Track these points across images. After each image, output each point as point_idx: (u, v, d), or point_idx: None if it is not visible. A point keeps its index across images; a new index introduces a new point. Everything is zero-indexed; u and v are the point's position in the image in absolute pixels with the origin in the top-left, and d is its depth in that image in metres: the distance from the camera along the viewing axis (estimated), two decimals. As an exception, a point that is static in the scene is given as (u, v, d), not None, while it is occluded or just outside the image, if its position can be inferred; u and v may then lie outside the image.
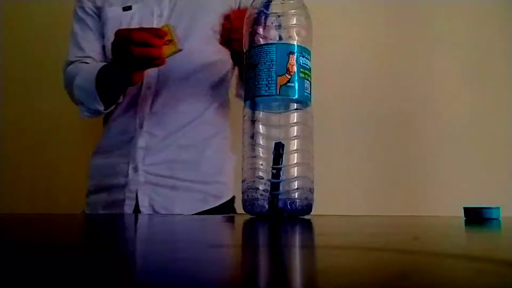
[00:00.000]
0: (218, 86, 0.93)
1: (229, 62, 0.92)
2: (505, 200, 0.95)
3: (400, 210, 1.05)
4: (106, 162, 0.89)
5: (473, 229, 0.39)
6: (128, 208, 0.84)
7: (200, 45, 0.87)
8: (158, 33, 0.73)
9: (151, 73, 0.85)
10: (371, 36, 1.16)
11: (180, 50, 0.75)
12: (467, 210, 0.48)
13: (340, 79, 1.15)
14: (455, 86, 1.12)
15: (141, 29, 0.76)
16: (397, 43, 1.15)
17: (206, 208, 0.88)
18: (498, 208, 0.46)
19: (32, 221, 0.47)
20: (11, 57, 1.32)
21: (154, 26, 0.86)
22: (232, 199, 0.95)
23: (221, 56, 0.89)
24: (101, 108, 0.85)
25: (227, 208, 0.91)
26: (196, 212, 0.86)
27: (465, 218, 0.47)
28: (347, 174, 1.12)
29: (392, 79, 1.15)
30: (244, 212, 0.48)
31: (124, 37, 0.73)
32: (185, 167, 0.87)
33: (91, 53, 0.91)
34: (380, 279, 0.16)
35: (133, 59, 0.73)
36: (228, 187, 0.93)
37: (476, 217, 0.47)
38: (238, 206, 0.98)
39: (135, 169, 0.85)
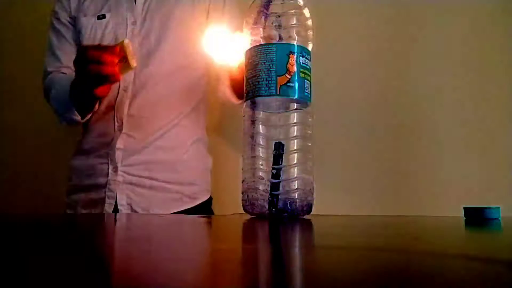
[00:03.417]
0: (193, 89, 0.95)
1: (201, 66, 0.95)
2: (505, 200, 0.95)
3: (400, 210, 1.05)
4: (86, 163, 0.91)
5: (473, 229, 0.39)
6: (108, 207, 0.87)
7: (173, 49, 0.90)
8: (112, 51, 0.75)
9: (127, 76, 0.88)
10: (371, 36, 1.16)
11: (134, 67, 0.78)
12: (467, 210, 0.48)
13: (340, 79, 1.15)
14: (455, 86, 1.12)
15: (97, 47, 0.78)
16: (397, 43, 1.15)
17: (182, 209, 0.90)
18: (498, 208, 0.46)
19: (19, 221, 0.47)
20: (10, 57, 1.32)
21: (128, 33, 0.89)
22: (209, 201, 0.98)
23: (193, 59, 0.92)
24: (78, 118, 0.88)
25: (203, 209, 0.94)
26: (172, 212, 0.89)
27: (465, 218, 0.47)
28: (347, 174, 1.12)
29: (392, 79, 1.15)
30: (241, 213, 0.48)
31: (81, 55, 0.76)
32: (163, 168, 0.89)
33: (67, 63, 0.93)
34: (380, 279, 0.16)
35: (89, 77, 0.75)
36: (204, 189, 0.96)
37: (476, 217, 0.47)
38: (217, 208, 0.99)
39: (115, 170, 0.87)
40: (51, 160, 1.23)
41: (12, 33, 1.35)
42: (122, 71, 0.76)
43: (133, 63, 0.76)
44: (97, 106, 0.89)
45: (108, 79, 0.75)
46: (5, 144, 1.30)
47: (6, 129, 1.30)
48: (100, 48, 0.77)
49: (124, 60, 0.75)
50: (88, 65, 0.73)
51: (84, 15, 0.93)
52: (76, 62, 0.77)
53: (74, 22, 0.94)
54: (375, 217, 0.54)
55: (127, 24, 0.90)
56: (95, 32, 0.90)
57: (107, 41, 0.89)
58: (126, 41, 0.76)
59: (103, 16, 0.91)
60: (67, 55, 0.93)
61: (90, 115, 0.90)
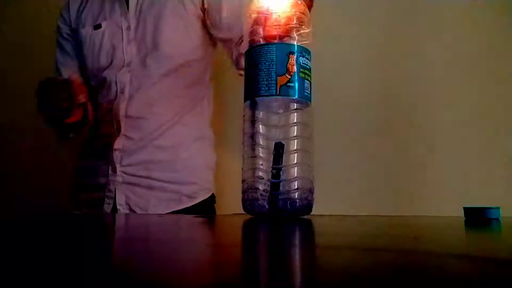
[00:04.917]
0: (193, 87, 0.94)
1: (202, 62, 0.94)
2: (505, 200, 0.95)
3: (400, 210, 1.05)
4: (88, 164, 0.93)
5: (473, 229, 0.39)
6: (107, 207, 0.88)
7: (169, 49, 0.89)
8: (61, 87, 0.79)
9: (123, 78, 0.89)
10: (371, 36, 1.16)
11: (82, 103, 0.81)
12: (467, 210, 0.48)
13: (340, 79, 1.15)
14: (455, 85, 1.12)
15: (51, 83, 0.81)
16: (397, 43, 1.15)
17: (180, 208, 0.90)
18: (498, 208, 0.46)
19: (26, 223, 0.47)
20: (10, 57, 1.32)
21: (124, 38, 0.90)
22: (211, 199, 0.97)
23: (193, 57, 0.91)
24: (71, 134, 0.89)
25: (204, 208, 0.93)
26: (170, 211, 0.89)
27: (465, 218, 0.47)
28: (347, 174, 1.12)
29: (392, 79, 1.15)
30: (243, 212, 0.48)
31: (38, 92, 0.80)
32: (161, 168, 0.90)
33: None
34: (380, 279, 0.16)
35: (49, 112, 0.81)
36: (205, 188, 0.96)
37: (476, 217, 0.47)
38: (221, 207, 0.99)
39: (114, 170, 0.89)
40: (52, 160, 1.22)
41: (13, 32, 1.35)
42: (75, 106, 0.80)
43: (79, 99, 0.80)
44: (91, 117, 0.90)
45: (63, 114, 0.80)
46: (6, 144, 1.30)
47: (6, 129, 1.30)
48: (52, 83, 0.81)
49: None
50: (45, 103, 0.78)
51: (83, 26, 0.94)
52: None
53: (75, 34, 0.96)
54: (375, 217, 0.54)
55: (122, 31, 0.90)
56: (94, 42, 0.92)
57: (105, 50, 0.90)
58: (73, 77, 0.81)
59: (99, 26, 0.92)
60: (69, 71, 0.95)
61: (84, 129, 0.91)
